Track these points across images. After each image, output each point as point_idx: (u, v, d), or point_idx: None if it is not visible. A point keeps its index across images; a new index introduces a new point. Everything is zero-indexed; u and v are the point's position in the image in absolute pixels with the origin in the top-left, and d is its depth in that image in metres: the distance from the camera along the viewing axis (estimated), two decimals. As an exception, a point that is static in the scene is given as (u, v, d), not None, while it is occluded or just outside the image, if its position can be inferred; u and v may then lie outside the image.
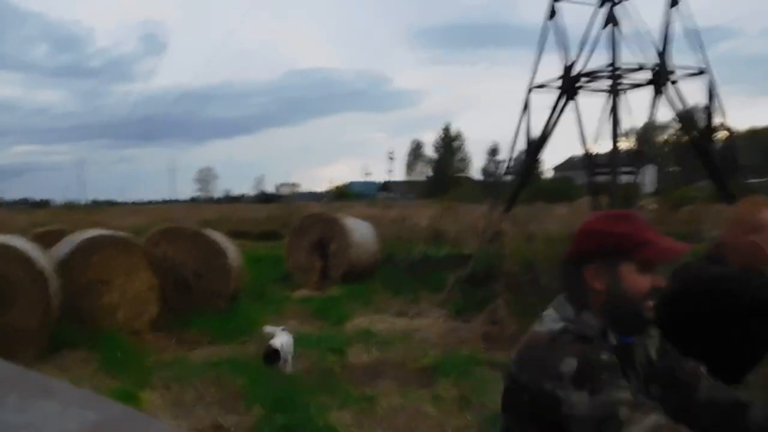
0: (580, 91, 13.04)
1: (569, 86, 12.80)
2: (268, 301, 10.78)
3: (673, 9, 11.98)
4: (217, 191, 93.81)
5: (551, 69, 13.36)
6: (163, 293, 8.70)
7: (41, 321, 7.41)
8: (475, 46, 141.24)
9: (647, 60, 11.91)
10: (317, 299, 11.11)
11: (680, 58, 12.66)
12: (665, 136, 73.72)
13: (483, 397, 5.96)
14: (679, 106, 12.28)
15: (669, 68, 11.98)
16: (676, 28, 12.13)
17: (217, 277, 9.67)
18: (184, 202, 74.10)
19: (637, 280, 1.57)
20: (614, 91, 11.73)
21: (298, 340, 8.20)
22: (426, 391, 6.21)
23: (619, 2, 11.98)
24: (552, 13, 13.07)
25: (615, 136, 11.75)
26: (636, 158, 13.21)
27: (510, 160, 17.16)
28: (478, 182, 73.64)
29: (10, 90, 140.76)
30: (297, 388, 6.21)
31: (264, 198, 63.37)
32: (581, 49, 12.53)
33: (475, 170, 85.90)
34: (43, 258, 7.80)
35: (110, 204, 65.94)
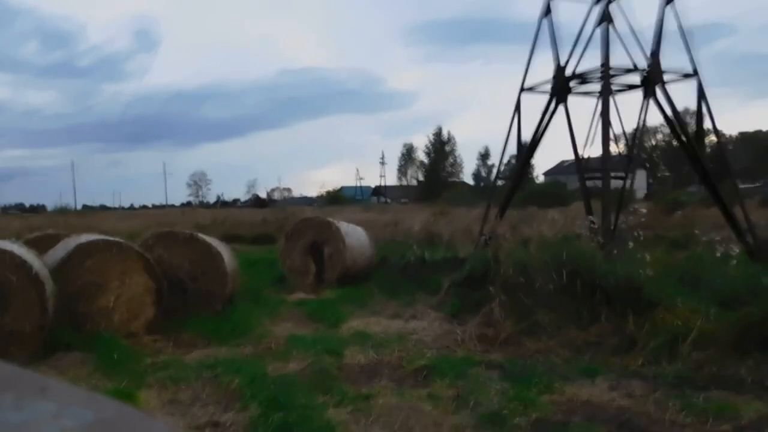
0: (572, 93, 13.01)
1: (561, 88, 12.79)
2: (263, 304, 10.78)
3: (668, 6, 11.91)
4: (210, 196, 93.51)
5: (545, 69, 13.35)
6: (159, 296, 8.70)
7: (37, 324, 7.42)
8: (471, 42, 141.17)
9: (639, 60, 11.90)
10: (312, 302, 11.13)
11: (673, 59, 12.51)
12: (655, 141, 74.20)
13: (479, 396, 6.03)
14: (669, 110, 12.29)
15: (661, 70, 11.95)
16: (671, 26, 12.03)
17: (212, 280, 9.70)
18: (177, 206, 73.86)
19: None
20: (606, 93, 11.71)
21: (295, 343, 8.25)
22: (422, 391, 6.25)
23: (613, 0, 11.84)
24: (547, 11, 13.05)
25: (606, 140, 11.74)
26: (627, 162, 13.25)
27: (501, 164, 17.18)
28: (470, 186, 73.82)
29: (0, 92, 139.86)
30: (293, 388, 6.24)
31: (258, 203, 63.31)
32: (573, 49, 12.47)
33: (467, 174, 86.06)
34: (38, 262, 7.80)
35: (103, 209, 65.63)
